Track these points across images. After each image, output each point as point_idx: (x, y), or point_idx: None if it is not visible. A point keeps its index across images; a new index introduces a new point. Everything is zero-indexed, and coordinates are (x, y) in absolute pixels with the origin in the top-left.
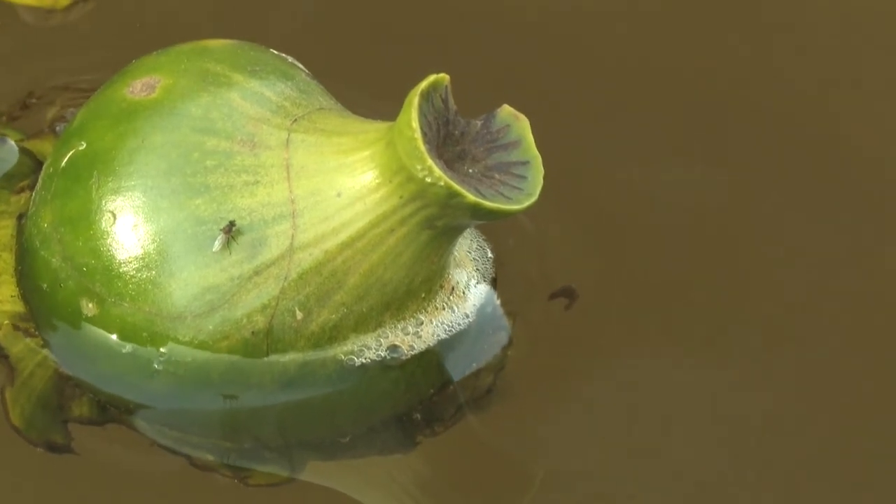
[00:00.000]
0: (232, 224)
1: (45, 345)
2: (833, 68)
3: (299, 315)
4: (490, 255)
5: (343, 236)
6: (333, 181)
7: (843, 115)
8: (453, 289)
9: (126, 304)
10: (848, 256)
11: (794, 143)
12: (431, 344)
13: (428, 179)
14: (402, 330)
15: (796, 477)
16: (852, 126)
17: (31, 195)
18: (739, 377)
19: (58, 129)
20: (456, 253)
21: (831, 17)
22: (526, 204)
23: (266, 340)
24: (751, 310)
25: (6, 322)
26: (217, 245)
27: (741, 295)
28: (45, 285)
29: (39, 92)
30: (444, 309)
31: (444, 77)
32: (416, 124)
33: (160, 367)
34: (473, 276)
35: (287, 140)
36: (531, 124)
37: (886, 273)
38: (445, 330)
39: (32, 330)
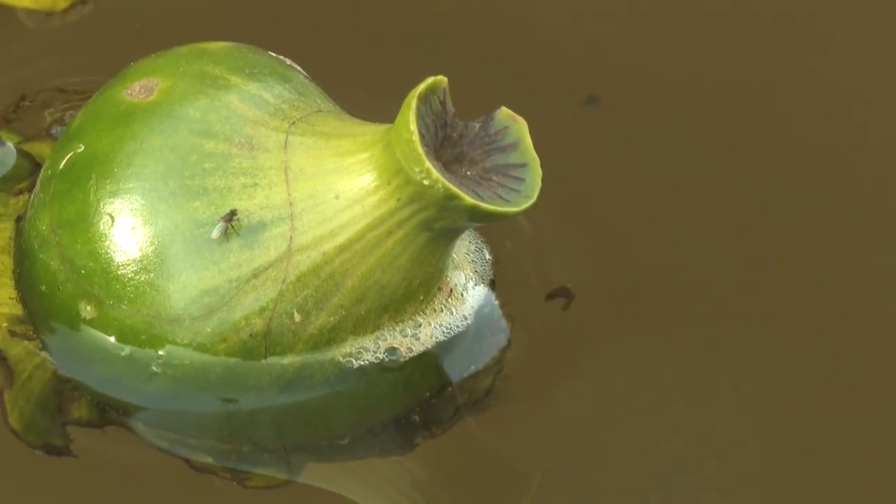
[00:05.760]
0: (233, 213)
1: (44, 347)
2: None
3: (297, 317)
4: (488, 256)
5: (341, 239)
6: (331, 184)
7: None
8: (451, 291)
9: (124, 307)
10: (850, 257)
11: (790, 151)
12: (430, 346)
13: (426, 182)
14: (401, 332)
15: (798, 477)
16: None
17: (30, 197)
18: (739, 375)
19: (54, 131)
20: (454, 255)
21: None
22: (524, 206)
23: (264, 343)
24: (750, 308)
25: (4, 325)
26: (216, 233)
27: (740, 293)
28: (43, 288)
29: (32, 94)
30: (442, 311)
31: (443, 79)
32: (413, 126)
33: (158, 370)
34: (472, 278)
35: (285, 142)
36: (529, 126)
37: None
38: (444, 332)
39: (31, 332)
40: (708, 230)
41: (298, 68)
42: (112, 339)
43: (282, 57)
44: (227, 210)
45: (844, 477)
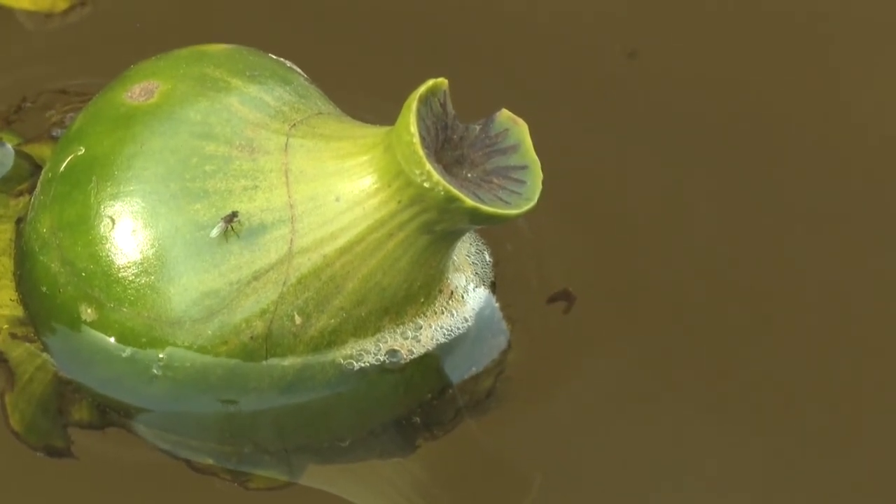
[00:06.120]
0: (234, 214)
1: (45, 349)
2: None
3: (298, 320)
4: (489, 258)
5: (342, 241)
6: (332, 186)
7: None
8: (452, 293)
9: (125, 309)
10: (843, 256)
11: (793, 151)
12: (430, 348)
13: (426, 184)
14: (402, 334)
15: (798, 477)
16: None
17: (30, 199)
18: (739, 375)
19: (55, 133)
20: (455, 257)
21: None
22: (525, 209)
23: (265, 345)
24: (750, 308)
25: (5, 326)
26: (215, 232)
27: (740, 293)
28: (44, 289)
29: (33, 96)
30: (443, 313)
31: (443, 81)
32: (414, 129)
33: (159, 372)
34: (472, 280)
35: (286, 145)
36: (530, 128)
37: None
38: (444, 334)
39: (32, 334)
40: (708, 230)
41: (299, 70)
42: (112, 341)
43: (282, 59)
44: (228, 212)
45: (845, 477)
